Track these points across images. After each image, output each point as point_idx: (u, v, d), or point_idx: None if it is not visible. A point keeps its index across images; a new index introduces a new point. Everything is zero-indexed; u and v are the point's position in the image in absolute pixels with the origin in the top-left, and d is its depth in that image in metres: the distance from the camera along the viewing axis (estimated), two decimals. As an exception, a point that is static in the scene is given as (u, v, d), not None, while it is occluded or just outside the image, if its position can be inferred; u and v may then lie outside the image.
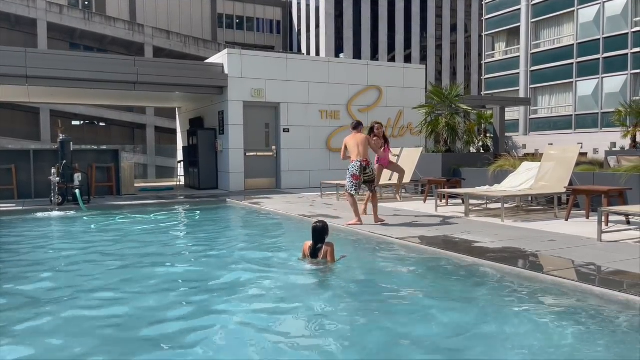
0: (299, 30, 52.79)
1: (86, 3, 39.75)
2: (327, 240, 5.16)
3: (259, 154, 14.07)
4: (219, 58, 14.23)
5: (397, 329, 3.52)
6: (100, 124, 35.64)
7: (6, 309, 4.01)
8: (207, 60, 15.74)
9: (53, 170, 9.84)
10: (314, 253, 5.11)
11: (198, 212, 10.24)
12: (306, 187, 14.13)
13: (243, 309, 3.96)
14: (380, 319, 3.72)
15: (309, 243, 5.19)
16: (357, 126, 7.71)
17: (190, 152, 14.78)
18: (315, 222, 5.24)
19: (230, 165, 13.52)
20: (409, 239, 6.22)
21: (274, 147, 14.25)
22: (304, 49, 50.89)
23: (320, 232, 5.14)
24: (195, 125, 15.40)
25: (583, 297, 3.95)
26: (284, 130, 14.15)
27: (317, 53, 48.27)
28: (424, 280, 4.85)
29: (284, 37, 52.10)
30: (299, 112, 14.31)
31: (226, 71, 13.48)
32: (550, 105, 30.51)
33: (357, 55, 46.93)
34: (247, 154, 13.81)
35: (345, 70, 15.15)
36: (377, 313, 3.88)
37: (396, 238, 6.30)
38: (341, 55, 39.74)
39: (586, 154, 20.14)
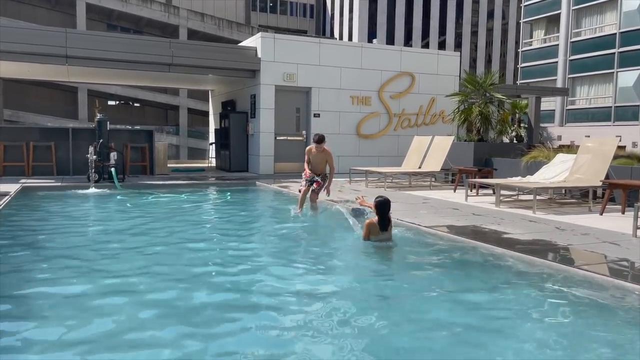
0: (332, 15, 52.34)
1: (123, -16, 40.24)
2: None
3: (289, 138, 14.15)
4: (252, 41, 14.29)
5: (423, 316, 3.55)
6: (135, 104, 36.32)
7: (52, 277, 4.21)
8: (240, 44, 15.82)
9: (90, 149, 10.14)
10: (383, 226, 5.41)
11: (229, 193, 10.42)
12: (335, 172, 14.14)
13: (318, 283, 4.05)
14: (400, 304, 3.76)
15: (371, 221, 5.44)
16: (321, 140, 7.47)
17: (222, 135, 14.97)
18: (378, 197, 5.48)
19: (261, 149, 13.64)
20: (437, 228, 6.20)
21: (304, 132, 14.30)
22: (336, 34, 50.50)
23: (388, 205, 5.43)
24: (228, 108, 15.57)
25: (615, 293, 3.90)
26: (315, 115, 14.17)
27: (350, 38, 47.85)
28: (449, 269, 4.85)
29: (317, 21, 51.78)
30: (330, 98, 14.29)
31: (259, 55, 13.54)
32: (589, 95, 29.56)
33: (390, 41, 46.32)
34: (278, 138, 13.91)
35: (378, 55, 15.01)
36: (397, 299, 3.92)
37: (424, 226, 6.29)
38: (374, 40, 39.27)
39: (624, 147, 19.49)
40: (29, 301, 3.68)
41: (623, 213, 7.40)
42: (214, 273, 4.59)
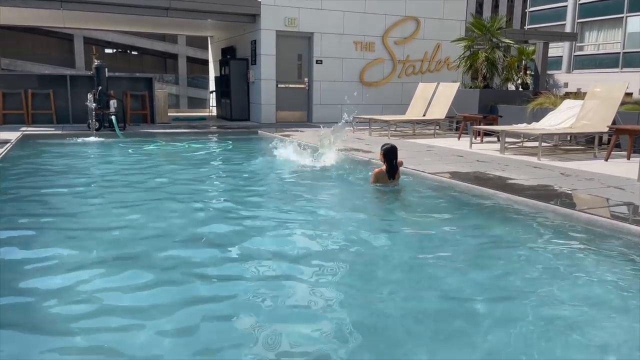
0: (334, -43, 50.38)
1: None
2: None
3: (290, 85, 13.92)
4: (252, -16, 13.80)
5: (426, 260, 3.58)
6: (133, 52, 35.61)
7: (54, 222, 4.23)
8: (239, -13, 15.27)
9: (89, 96, 10.00)
10: (392, 173, 5.40)
11: (230, 142, 10.35)
12: (338, 121, 13.98)
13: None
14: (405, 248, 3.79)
15: (380, 170, 5.40)
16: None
17: (222, 83, 14.73)
18: (385, 145, 5.45)
19: (262, 97, 13.45)
20: (441, 174, 6.17)
21: (306, 79, 14.05)
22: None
23: (395, 151, 5.40)
24: (227, 56, 15.23)
25: (619, 236, 3.90)
26: (317, 62, 13.87)
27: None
28: (453, 214, 4.85)
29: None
30: (333, 43, 13.94)
31: (259, -2, 13.12)
32: (598, 41, 28.86)
33: (394, -16, 44.77)
34: (279, 86, 13.68)
35: (382, -1, 14.52)
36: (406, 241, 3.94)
37: (428, 173, 6.26)
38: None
39: (631, 94, 19.21)
40: (30, 243, 3.70)
41: (629, 159, 7.34)
42: (215, 218, 4.61)
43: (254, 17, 13.29)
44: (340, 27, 13.93)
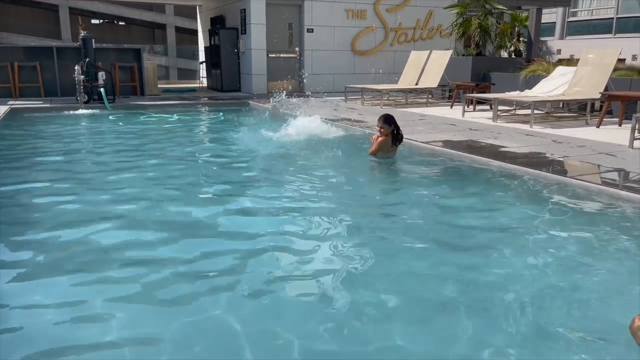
0: None
1: None
2: None
3: (281, 55, 13.73)
4: (240, -50, 13.46)
5: (420, 226, 3.61)
6: (120, 23, 34.84)
7: (47, 193, 4.21)
8: (227, -47, 14.90)
9: (77, 68, 9.82)
10: (395, 140, 5.34)
11: (221, 113, 10.25)
12: (330, 90, 13.91)
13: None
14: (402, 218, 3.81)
15: (383, 139, 5.27)
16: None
17: (212, 53, 14.49)
18: (383, 115, 5.36)
19: (253, 67, 13.27)
20: (433, 143, 6.17)
21: (297, 49, 13.86)
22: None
23: (393, 117, 5.33)
24: (217, 25, 14.95)
25: (609, 201, 3.95)
26: (308, 31, 13.65)
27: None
28: (446, 181, 4.87)
29: None
30: (324, 11, 13.70)
31: (248, -35, 12.80)
32: (591, 7, 28.54)
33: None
34: (270, 55, 13.49)
35: (374, -35, 14.23)
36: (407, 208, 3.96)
37: (421, 142, 6.26)
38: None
39: (624, 60, 19.13)
40: (26, 215, 3.69)
41: (620, 125, 7.36)
42: (209, 193, 4.60)
43: (243, -15, 13.02)
44: (331, -5, 13.68)
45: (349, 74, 14.19)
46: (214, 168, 5.62)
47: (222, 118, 9.75)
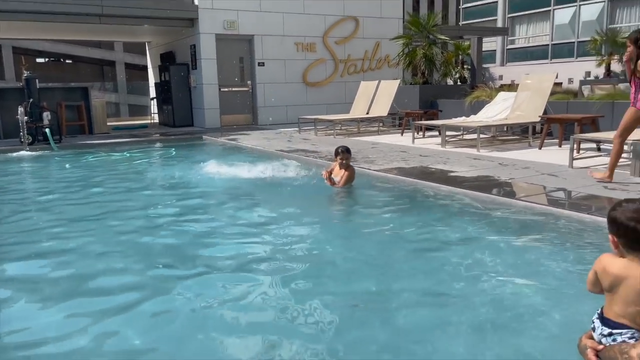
0: (271, -42, 50.30)
1: None
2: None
3: (234, 89, 13.78)
4: (188, -12, 13.55)
5: (375, 253, 3.63)
6: (67, 61, 34.14)
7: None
8: (175, -9, 14.96)
9: (20, 109, 9.50)
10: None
11: (173, 149, 10.12)
12: (284, 122, 14.02)
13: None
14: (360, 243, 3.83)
15: (335, 164, 5.52)
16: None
17: (163, 89, 14.38)
18: (340, 146, 5.54)
19: (205, 102, 13.24)
20: (387, 171, 6.29)
21: (249, 82, 13.95)
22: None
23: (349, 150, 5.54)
24: (167, 61, 14.90)
25: (553, 220, 4.11)
26: (259, 64, 13.79)
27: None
28: (401, 209, 4.95)
29: (256, -35, 49.68)
30: (274, 45, 13.90)
31: (196, 2, 12.88)
32: (528, 34, 30.19)
33: (332, -16, 45.09)
34: (222, 90, 13.51)
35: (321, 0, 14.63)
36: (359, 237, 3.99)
37: (374, 170, 6.36)
38: (316, -16, 38.22)
39: (561, 83, 20.25)
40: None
41: (560, 146, 7.73)
42: (162, 230, 4.49)
43: (192, 22, 13.06)
44: (281, 29, 13.92)
45: (302, 105, 14.37)
46: (168, 202, 5.50)
47: (174, 153, 9.62)
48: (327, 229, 4.37)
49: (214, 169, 6.99)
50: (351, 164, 5.64)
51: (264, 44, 13.75)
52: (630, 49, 4.94)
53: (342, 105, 14.17)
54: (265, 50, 13.79)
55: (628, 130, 5.17)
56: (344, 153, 5.46)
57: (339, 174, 5.51)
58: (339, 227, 4.46)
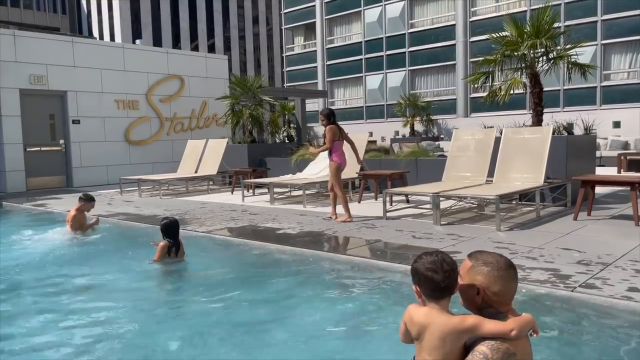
0: (89, 12, 48.07)
1: None
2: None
3: (43, 148, 12.43)
4: (-15, 37, 12.10)
5: (209, 316, 3.42)
6: None
7: None
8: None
9: None
10: (177, 250, 4.84)
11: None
12: (104, 183, 12.99)
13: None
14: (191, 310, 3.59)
15: (165, 244, 4.77)
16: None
17: (-48, 149, 12.33)
18: (164, 220, 4.86)
19: (7, 164, 11.67)
20: (215, 232, 6.13)
21: (62, 141, 12.72)
22: (95, 33, 46.47)
23: (177, 226, 4.89)
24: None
25: (371, 270, 4.37)
26: (74, 122, 12.72)
27: (112, 38, 44.60)
28: (228, 270, 4.82)
29: (71, 18, 46.93)
30: (91, 102, 13.01)
31: (-5, 53, 11.54)
32: (345, 97, 33.21)
33: (157, 42, 44.61)
34: (28, 149, 12.08)
35: (143, 57, 14.25)
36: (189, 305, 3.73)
37: (202, 232, 6.15)
38: (138, 41, 37.11)
39: (375, 141, 22.50)
40: None
41: (376, 199, 8.43)
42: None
43: (-10, 74, 11.62)
44: (99, 85, 13.12)
45: (125, 164, 13.54)
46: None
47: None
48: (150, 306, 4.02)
49: (15, 239, 6.06)
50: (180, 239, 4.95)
51: (79, 100, 12.78)
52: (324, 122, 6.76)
53: (170, 164, 13.71)
54: (81, 107, 12.81)
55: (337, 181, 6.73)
56: (160, 226, 4.89)
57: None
58: (161, 302, 4.14)
